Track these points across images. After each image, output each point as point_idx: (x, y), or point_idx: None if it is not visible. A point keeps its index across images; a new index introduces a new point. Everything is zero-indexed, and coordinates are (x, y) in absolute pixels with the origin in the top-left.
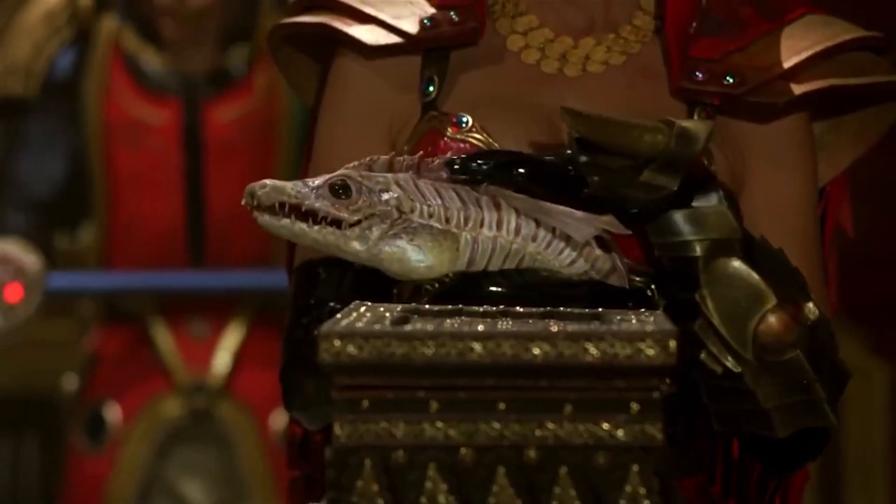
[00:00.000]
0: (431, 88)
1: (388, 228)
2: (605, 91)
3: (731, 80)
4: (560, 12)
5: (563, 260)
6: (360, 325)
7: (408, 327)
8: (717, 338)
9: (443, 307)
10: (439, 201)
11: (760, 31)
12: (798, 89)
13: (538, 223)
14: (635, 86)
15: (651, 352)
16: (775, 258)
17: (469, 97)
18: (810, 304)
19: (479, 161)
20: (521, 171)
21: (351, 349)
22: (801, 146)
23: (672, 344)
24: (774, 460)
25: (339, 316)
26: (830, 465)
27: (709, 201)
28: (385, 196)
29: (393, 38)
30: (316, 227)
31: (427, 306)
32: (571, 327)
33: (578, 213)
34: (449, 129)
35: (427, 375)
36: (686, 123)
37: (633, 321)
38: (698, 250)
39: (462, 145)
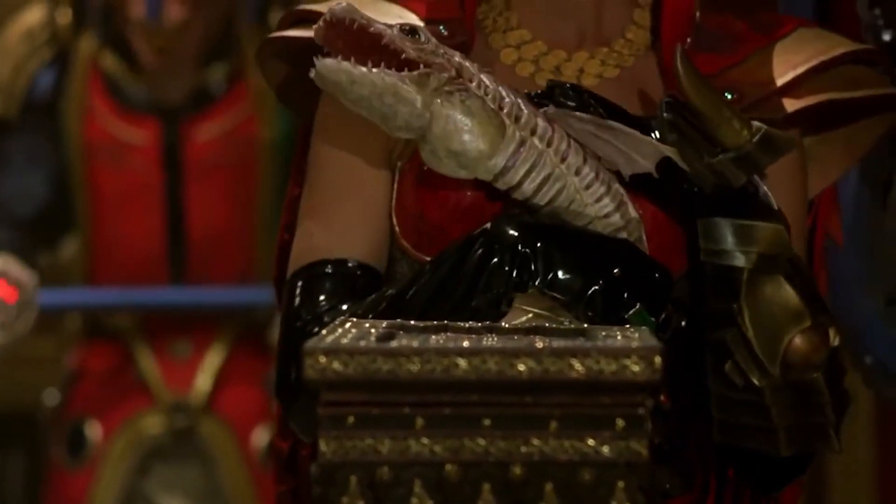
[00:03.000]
0: None
1: (445, 82)
2: None
3: (730, 97)
4: (552, 27)
5: (600, 209)
6: (345, 341)
7: (393, 343)
8: (746, 350)
9: (428, 323)
10: (497, 90)
11: (755, 46)
12: (796, 104)
13: (585, 159)
14: (630, 99)
15: (636, 368)
16: (809, 279)
17: None
18: (833, 330)
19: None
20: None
21: (336, 365)
22: (793, 163)
23: (657, 360)
24: (759, 479)
25: (324, 332)
26: (816, 479)
27: (764, 217)
28: (449, 54)
29: None
30: (375, 70)
31: (412, 322)
32: (556, 343)
33: (643, 136)
34: None
35: (412, 392)
36: (775, 131)
37: (618, 337)
38: (744, 262)
39: None
